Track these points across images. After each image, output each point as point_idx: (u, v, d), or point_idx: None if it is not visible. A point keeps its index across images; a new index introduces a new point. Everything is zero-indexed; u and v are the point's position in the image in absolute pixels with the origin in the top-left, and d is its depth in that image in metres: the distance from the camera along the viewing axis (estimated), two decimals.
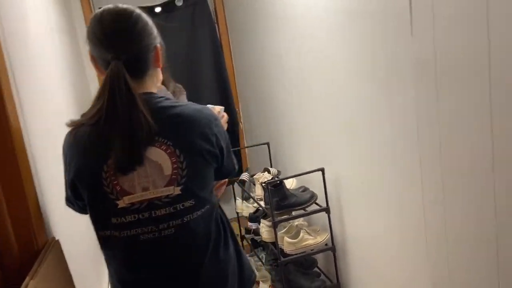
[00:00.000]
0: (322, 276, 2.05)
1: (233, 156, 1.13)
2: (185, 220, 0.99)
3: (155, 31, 1.02)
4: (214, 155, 1.03)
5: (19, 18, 1.29)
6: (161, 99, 1.01)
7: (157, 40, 1.03)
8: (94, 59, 1.00)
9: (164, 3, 3.11)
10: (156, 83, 1.07)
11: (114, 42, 0.95)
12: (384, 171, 1.40)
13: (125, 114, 0.91)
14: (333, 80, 1.64)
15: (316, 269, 2.10)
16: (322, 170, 1.79)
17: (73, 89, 2.05)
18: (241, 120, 3.27)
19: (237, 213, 2.57)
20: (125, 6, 0.98)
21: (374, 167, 1.46)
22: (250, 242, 2.54)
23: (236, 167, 1.16)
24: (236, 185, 2.48)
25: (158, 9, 3.11)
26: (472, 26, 0.90)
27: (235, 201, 2.53)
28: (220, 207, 1.14)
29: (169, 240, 1.00)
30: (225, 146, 1.06)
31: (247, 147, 3.09)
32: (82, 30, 2.89)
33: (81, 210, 1.07)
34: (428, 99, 1.08)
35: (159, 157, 0.95)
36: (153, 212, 0.97)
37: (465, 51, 0.94)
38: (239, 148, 3.09)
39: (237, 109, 3.26)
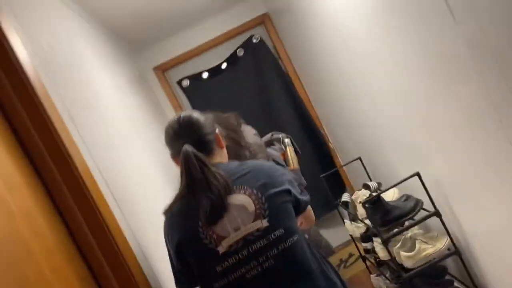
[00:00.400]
0: (457, 283, 1.89)
1: (299, 189, 1.24)
2: (280, 249, 1.10)
3: (210, 122, 1.27)
4: (284, 191, 1.16)
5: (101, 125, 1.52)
6: (227, 163, 1.22)
7: (214, 128, 1.27)
8: (174, 157, 1.23)
9: (227, 58, 3.32)
10: (223, 159, 1.25)
11: (182, 134, 1.20)
12: (479, 161, 1.29)
13: (202, 178, 1.11)
14: (407, 83, 1.57)
15: (448, 276, 1.94)
16: (418, 174, 1.70)
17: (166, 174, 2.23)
18: (330, 141, 3.25)
19: (350, 235, 2.52)
20: (187, 113, 1.25)
21: (470, 159, 1.36)
22: (373, 262, 2.46)
23: (306, 198, 1.26)
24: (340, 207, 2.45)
25: (224, 65, 3.33)
26: None
27: (344, 224, 2.49)
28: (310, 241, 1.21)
29: (272, 272, 1.09)
30: (289, 182, 1.19)
31: (342, 166, 3.03)
32: (165, 107, 3.21)
33: (190, 284, 1.18)
34: (495, 79, 1.00)
35: (240, 199, 1.11)
36: (250, 248, 1.09)
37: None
38: (336, 168, 3.03)
39: (322, 132, 3.26)
